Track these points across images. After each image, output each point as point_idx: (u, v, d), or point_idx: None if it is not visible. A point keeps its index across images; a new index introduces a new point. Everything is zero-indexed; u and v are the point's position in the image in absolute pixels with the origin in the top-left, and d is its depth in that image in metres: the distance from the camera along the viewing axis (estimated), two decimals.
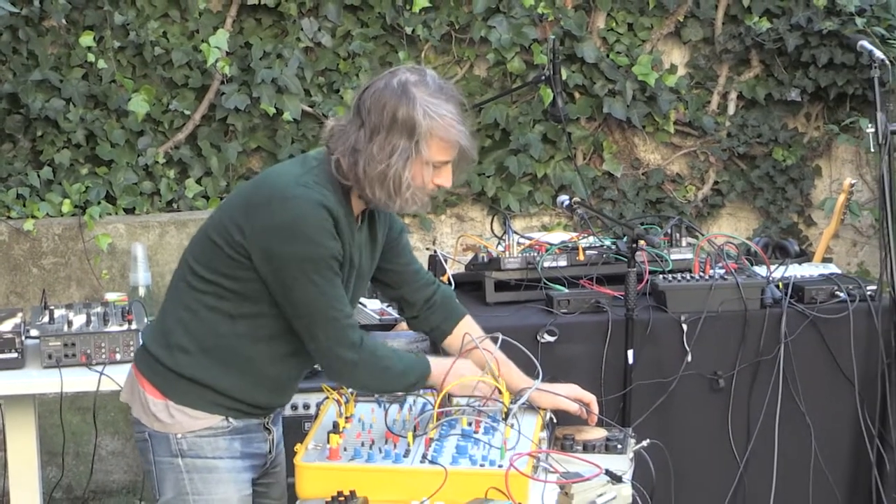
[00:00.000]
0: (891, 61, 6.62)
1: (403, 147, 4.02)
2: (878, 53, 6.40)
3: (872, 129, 6.32)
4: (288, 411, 4.57)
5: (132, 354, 5.28)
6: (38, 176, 7.56)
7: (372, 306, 5.92)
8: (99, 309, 5.67)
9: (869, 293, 6.45)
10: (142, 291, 6.25)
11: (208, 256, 4.13)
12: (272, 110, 7.71)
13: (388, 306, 6.10)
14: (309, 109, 7.83)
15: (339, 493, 4.08)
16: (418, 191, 4.10)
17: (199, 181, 7.78)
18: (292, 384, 4.37)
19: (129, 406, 4.33)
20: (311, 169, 4.11)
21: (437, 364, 4.30)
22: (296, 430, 4.52)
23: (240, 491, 4.30)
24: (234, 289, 4.11)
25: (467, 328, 4.68)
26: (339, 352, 4.07)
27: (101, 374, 5.28)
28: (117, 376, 5.23)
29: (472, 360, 4.56)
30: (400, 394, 4.30)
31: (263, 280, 4.05)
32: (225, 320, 4.15)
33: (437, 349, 5.04)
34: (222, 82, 7.75)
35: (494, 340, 4.63)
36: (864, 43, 6.59)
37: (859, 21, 7.75)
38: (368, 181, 4.04)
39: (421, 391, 4.40)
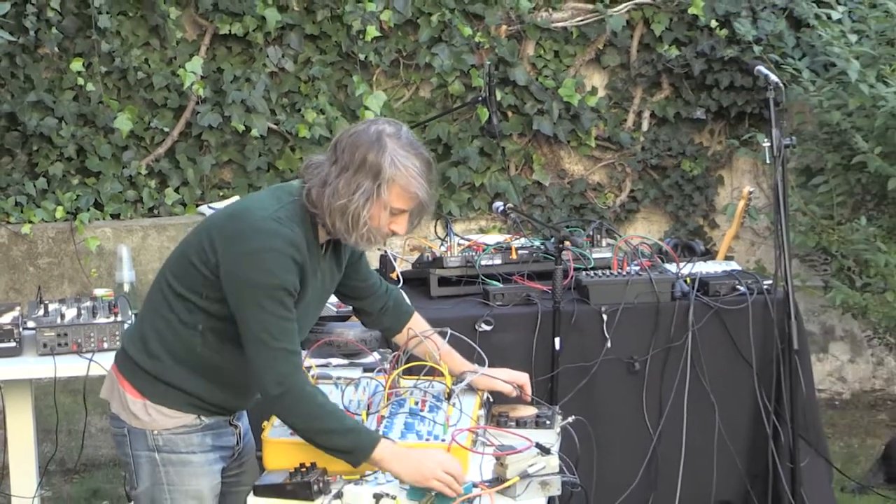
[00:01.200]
0: (784, 84, 6.65)
1: (367, 188, 3.99)
2: (773, 77, 6.43)
3: (768, 144, 6.34)
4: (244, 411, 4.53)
5: (118, 343, 5.32)
6: (34, 186, 7.52)
7: (330, 300, 5.89)
8: (88, 303, 5.65)
9: (765, 287, 6.48)
10: (126, 288, 6.23)
11: (185, 276, 4.10)
12: (241, 127, 7.70)
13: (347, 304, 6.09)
14: (274, 127, 7.81)
15: (301, 465, 4.08)
16: (374, 230, 4.06)
17: (177, 190, 7.77)
18: (253, 390, 4.26)
19: (108, 402, 4.30)
20: (285, 204, 4.06)
21: (389, 449, 4.01)
22: (263, 413, 4.49)
23: (211, 482, 4.27)
24: (205, 306, 4.08)
25: (414, 324, 4.67)
26: (263, 378, 3.98)
27: (91, 360, 5.25)
28: (105, 362, 5.20)
29: (419, 351, 4.57)
30: (329, 451, 4.03)
31: (227, 300, 4.02)
32: (195, 333, 4.11)
33: (388, 342, 5.04)
34: (197, 103, 7.73)
35: (443, 335, 4.62)
36: (761, 68, 6.61)
37: (756, 49, 7.78)
38: (330, 212, 4.00)
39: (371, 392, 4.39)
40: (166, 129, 7.75)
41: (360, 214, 4.00)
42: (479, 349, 4.66)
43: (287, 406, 4.00)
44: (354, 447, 3.99)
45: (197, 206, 7.67)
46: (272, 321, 3.95)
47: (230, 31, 7.72)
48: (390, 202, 4.04)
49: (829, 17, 7.35)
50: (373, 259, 7.09)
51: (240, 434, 4.38)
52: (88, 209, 7.53)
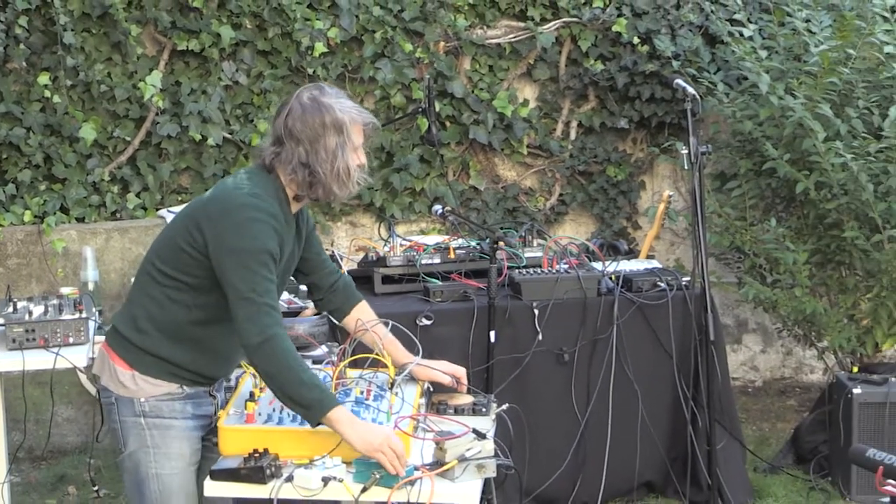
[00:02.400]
0: (700, 96, 6.69)
1: (339, 142, 4.21)
2: (690, 90, 6.46)
3: (686, 151, 6.37)
4: (223, 383, 4.55)
5: (82, 338, 5.38)
6: (4, 192, 7.44)
7: (281, 297, 5.89)
8: (55, 301, 5.62)
9: (684, 283, 6.52)
10: (91, 286, 6.20)
11: (174, 259, 4.21)
12: (198, 137, 7.66)
13: (294, 296, 6.07)
14: (229, 136, 7.77)
15: (255, 451, 4.08)
16: (356, 172, 4.27)
17: (138, 195, 7.72)
18: (234, 358, 4.40)
19: (98, 376, 4.37)
20: (259, 183, 4.22)
21: (346, 413, 4.06)
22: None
23: (192, 446, 4.34)
24: (192, 283, 4.20)
25: (362, 312, 4.72)
26: (247, 329, 4.04)
27: (57, 354, 5.23)
28: (71, 356, 5.23)
29: (365, 340, 4.59)
30: (291, 404, 4.06)
31: (215, 270, 4.11)
32: (182, 309, 4.23)
33: (335, 331, 5.04)
34: (157, 114, 7.68)
35: (385, 325, 4.63)
36: (679, 81, 6.64)
37: (675, 63, 7.81)
38: (326, 181, 4.22)
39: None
40: (128, 139, 7.70)
41: (347, 166, 4.24)
42: (419, 343, 4.66)
43: (267, 354, 4.05)
44: (318, 402, 4.03)
45: (157, 210, 7.63)
46: (258, 280, 4.06)
47: (187, 47, 7.69)
48: (356, 141, 4.27)
49: (742, 35, 7.39)
50: None
51: (217, 405, 4.44)
52: (55, 213, 7.47)
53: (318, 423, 4.04)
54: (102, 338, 4.46)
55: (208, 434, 4.39)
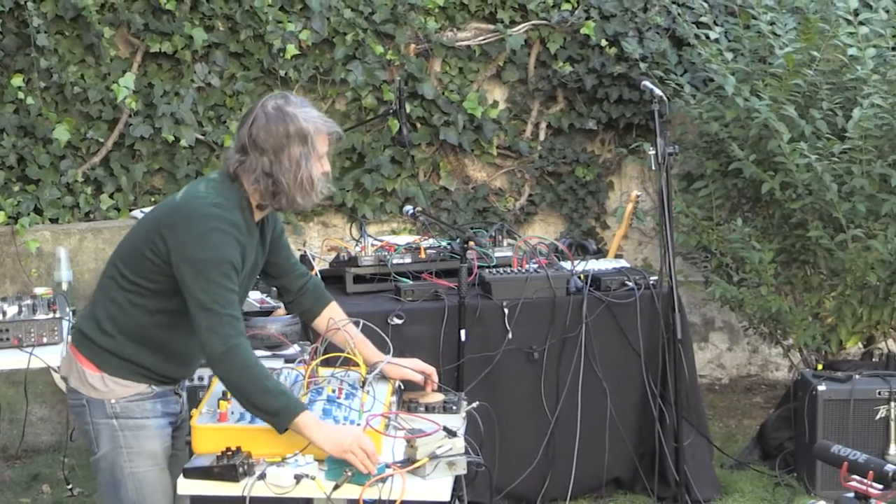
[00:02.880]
0: (667, 98, 6.69)
1: (303, 151, 4.16)
2: (658, 91, 6.47)
3: (653, 152, 6.38)
4: (185, 382, 4.54)
5: (56, 338, 5.35)
6: None
7: (253, 296, 5.88)
8: (29, 301, 5.59)
9: (652, 282, 6.53)
10: (64, 286, 6.19)
11: (137, 265, 4.19)
12: (171, 138, 7.63)
13: (266, 296, 6.06)
14: (201, 137, 7.75)
15: (227, 449, 4.07)
16: (320, 181, 4.23)
17: (111, 196, 7.69)
18: (196, 361, 4.39)
19: (66, 378, 4.34)
20: (222, 192, 4.18)
21: (313, 418, 4.05)
22: (192, 398, 4.49)
23: (163, 443, 4.33)
24: (154, 289, 4.18)
25: (332, 313, 4.70)
26: (210, 340, 4.02)
27: (31, 354, 5.20)
28: (45, 356, 5.19)
29: (336, 340, 4.58)
30: (257, 412, 4.04)
31: (177, 279, 4.09)
32: (145, 314, 4.20)
33: (307, 330, 5.03)
34: (130, 115, 7.65)
35: (356, 325, 4.63)
36: (647, 83, 6.65)
37: (643, 66, 7.82)
38: (290, 191, 4.18)
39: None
40: (101, 140, 7.67)
41: (311, 176, 4.19)
42: (390, 342, 4.65)
43: (230, 364, 4.04)
44: (284, 409, 4.02)
45: (130, 210, 7.60)
46: (220, 291, 4.04)
47: (160, 49, 7.66)
48: (320, 150, 4.23)
49: (708, 37, 7.40)
50: None
51: (182, 403, 4.46)
52: (29, 214, 7.44)
53: (286, 430, 4.03)
54: None
55: (174, 430, 4.39)
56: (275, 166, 4.15)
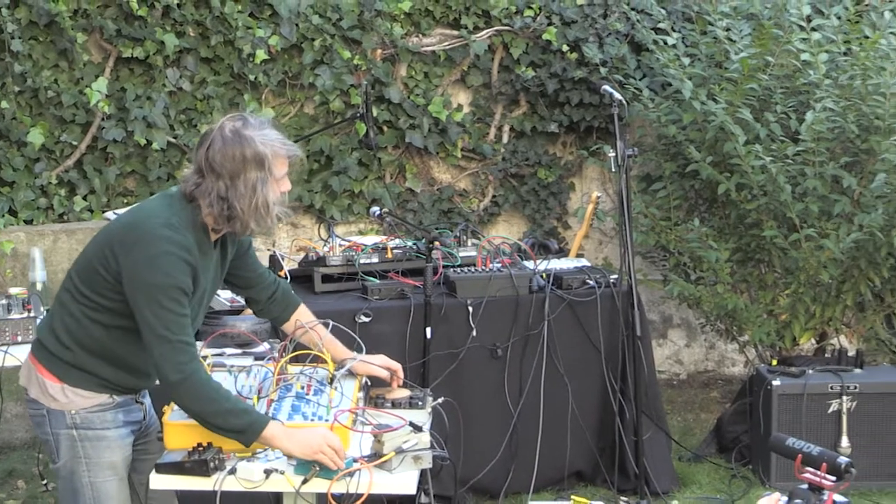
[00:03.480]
0: (627, 101, 6.71)
1: (260, 177, 4.05)
2: (617, 95, 6.49)
3: (613, 154, 6.40)
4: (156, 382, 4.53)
5: (31, 337, 5.31)
6: None
7: (224, 295, 5.86)
8: (3, 301, 5.56)
9: (612, 281, 6.54)
10: (39, 286, 6.15)
11: (91, 281, 4.12)
12: (143, 141, 7.61)
13: (237, 295, 6.05)
14: (173, 140, 7.72)
15: (199, 445, 4.06)
16: (277, 205, 4.13)
17: (84, 198, 7.66)
18: (153, 371, 4.24)
19: (26, 388, 4.28)
20: (177, 212, 4.09)
21: (278, 428, 4.04)
22: (164, 396, 4.46)
23: (123, 453, 4.28)
24: (108, 306, 4.11)
25: (301, 315, 4.67)
26: (163, 368, 3.99)
27: (6, 352, 5.18)
28: (19, 354, 5.13)
29: (305, 340, 4.57)
30: (223, 432, 4.02)
31: (127, 298, 4.04)
32: (101, 328, 4.14)
33: (276, 328, 5.02)
34: (103, 119, 7.62)
35: (325, 325, 4.61)
36: (607, 87, 6.67)
37: (603, 70, 7.83)
38: (244, 217, 4.08)
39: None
40: (75, 143, 7.64)
41: (267, 201, 4.08)
42: (358, 339, 4.65)
43: (186, 391, 4.00)
44: (248, 426, 4.00)
45: (103, 212, 7.57)
46: (171, 318, 3.97)
47: (132, 54, 7.63)
48: (278, 174, 4.12)
49: (666, 43, 7.42)
50: (262, 259, 7.04)
51: (145, 409, 4.40)
52: (3, 215, 7.40)
53: (252, 443, 4.03)
54: None
55: (140, 439, 4.36)
56: (230, 191, 4.05)
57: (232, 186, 4.05)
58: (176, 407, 4.20)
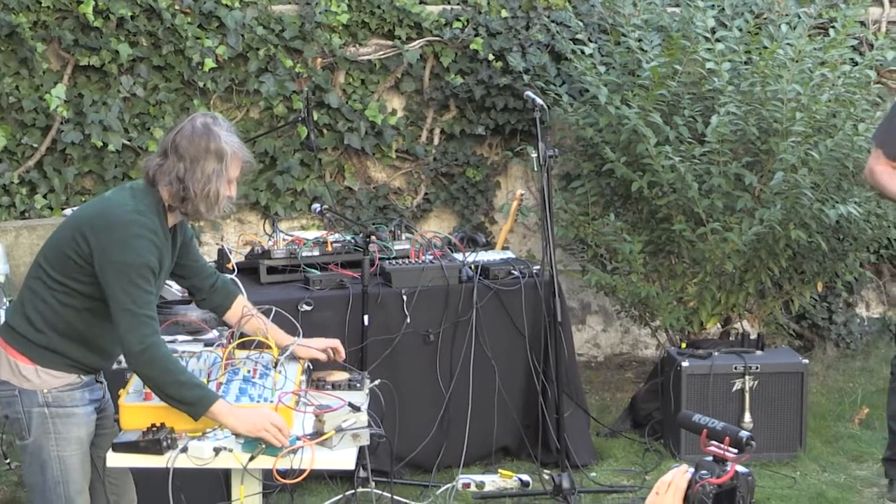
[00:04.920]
0: (548, 106, 6.73)
1: (217, 169, 4.15)
2: (539, 101, 6.50)
3: (535, 155, 6.41)
4: (115, 365, 4.50)
5: None
6: None
7: (176, 287, 5.82)
8: None
9: (535, 271, 6.56)
10: (2, 279, 6.10)
11: (61, 265, 4.14)
12: (100, 144, 7.55)
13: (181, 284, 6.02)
14: (127, 143, 7.66)
15: (153, 425, 4.05)
16: (226, 200, 4.21)
17: (45, 196, 7.59)
18: (117, 352, 4.32)
19: None
20: (141, 199, 4.15)
21: (226, 405, 4.04)
22: (120, 380, 4.44)
23: (88, 428, 4.29)
24: (79, 289, 4.13)
25: (242, 304, 4.67)
26: (128, 339, 4.01)
27: None
28: None
29: (249, 327, 4.56)
30: (174, 402, 4.02)
31: (99, 279, 4.06)
32: (72, 311, 4.16)
33: (220, 321, 5.00)
34: (61, 123, 7.55)
35: (268, 312, 4.61)
36: (529, 93, 6.68)
37: (525, 77, 7.85)
38: (195, 200, 4.15)
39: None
40: (35, 145, 7.57)
41: (218, 192, 4.17)
42: (300, 327, 4.65)
43: (147, 361, 4.02)
44: (199, 400, 4.01)
45: (63, 209, 7.50)
46: (138, 293, 4.02)
47: (89, 62, 7.57)
48: (232, 174, 4.21)
49: (583, 52, 7.45)
50: (211, 252, 7.01)
51: (104, 388, 4.43)
52: None
53: (200, 417, 4.03)
54: None
55: (98, 414, 4.36)
56: (188, 174, 4.12)
57: (190, 170, 4.13)
58: (131, 390, 4.20)
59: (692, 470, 3.20)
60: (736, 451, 3.21)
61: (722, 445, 3.23)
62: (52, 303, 4.16)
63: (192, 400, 4.01)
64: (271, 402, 4.14)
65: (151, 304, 4.06)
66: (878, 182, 6.01)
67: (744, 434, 3.22)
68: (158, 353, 4.03)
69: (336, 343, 4.68)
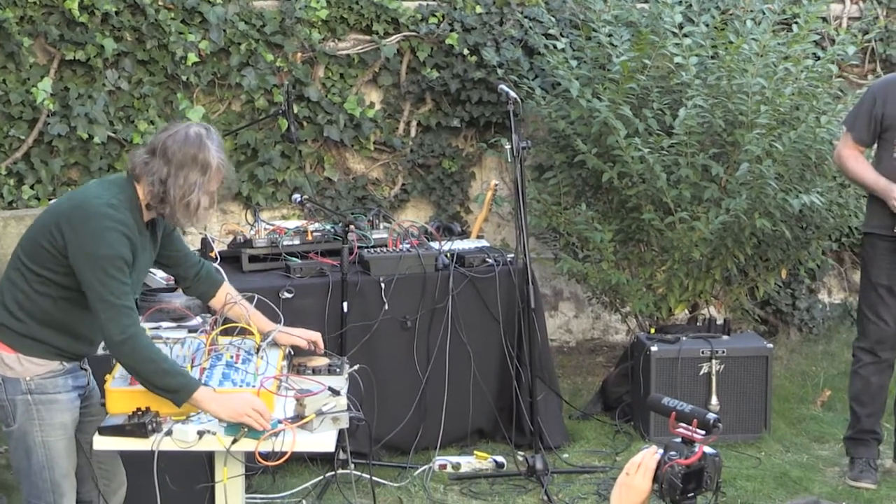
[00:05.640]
0: (521, 99, 6.73)
1: (199, 181, 4.12)
2: (512, 94, 6.51)
3: (509, 146, 6.42)
4: (100, 351, 4.48)
5: None
6: None
7: (160, 274, 5.80)
8: None
9: (509, 259, 6.57)
10: None
11: (38, 256, 4.13)
12: (85, 136, 7.51)
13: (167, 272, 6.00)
14: (112, 135, 7.63)
15: (138, 409, 4.05)
16: (204, 211, 4.18)
17: (32, 187, 7.55)
18: (99, 338, 4.31)
19: None
20: (116, 194, 4.13)
21: (208, 392, 4.05)
22: (105, 365, 4.42)
23: (73, 415, 4.27)
24: (54, 279, 4.12)
25: (226, 291, 4.66)
26: (109, 329, 4.01)
27: None
28: None
29: (232, 314, 4.55)
30: (158, 391, 4.02)
31: (75, 272, 4.05)
32: (49, 300, 4.15)
33: (204, 308, 4.99)
34: (48, 116, 7.51)
35: (251, 300, 4.61)
36: (503, 86, 6.68)
37: (499, 71, 7.85)
38: (174, 205, 4.12)
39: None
40: (22, 137, 7.53)
41: (198, 202, 4.14)
42: (281, 313, 4.64)
43: (129, 350, 4.01)
44: (181, 387, 4.01)
45: (49, 200, 7.47)
46: (115, 284, 4.00)
47: (74, 57, 7.53)
48: (211, 188, 4.18)
49: (556, 47, 7.46)
50: (195, 241, 6.99)
51: (89, 376, 4.41)
52: None
53: (183, 404, 4.03)
54: None
55: (84, 401, 4.34)
56: (170, 179, 4.10)
57: (173, 175, 4.10)
58: (117, 375, 4.19)
59: (661, 451, 3.21)
60: (703, 432, 3.22)
61: (690, 427, 3.24)
62: (29, 292, 4.14)
63: (175, 388, 4.00)
64: (253, 386, 4.14)
65: (128, 294, 4.05)
66: (843, 165, 6.15)
67: (711, 416, 3.23)
68: (140, 342, 4.02)
69: (317, 337, 4.67)
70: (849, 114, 6.26)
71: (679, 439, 3.24)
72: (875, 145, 6.17)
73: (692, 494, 3.20)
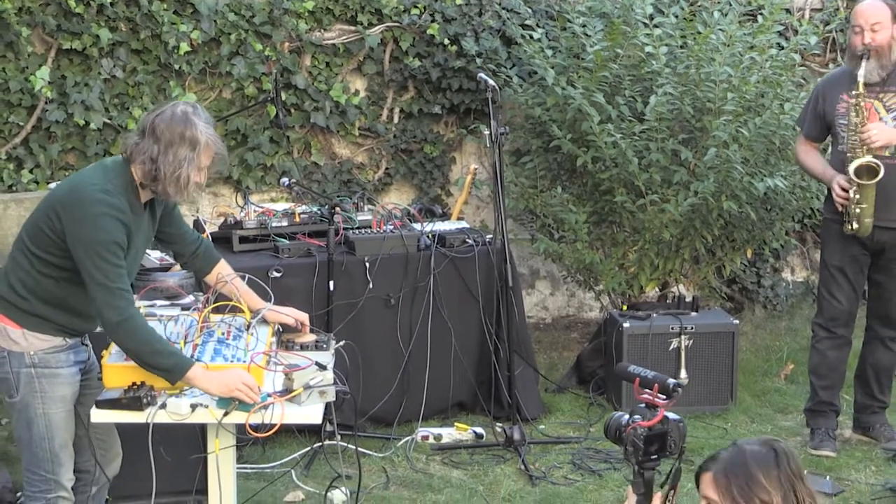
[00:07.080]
0: (499, 87, 6.73)
1: (188, 156, 4.11)
2: (491, 82, 6.51)
3: (488, 132, 6.42)
4: (100, 328, 4.49)
5: None
6: None
7: (154, 254, 5.81)
8: None
9: (487, 240, 6.58)
10: None
11: (39, 240, 4.15)
12: (82, 122, 7.49)
13: (165, 254, 5.99)
14: (108, 121, 7.61)
15: (133, 383, 4.05)
16: (195, 186, 4.18)
17: (31, 171, 7.53)
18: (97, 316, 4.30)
19: None
20: (112, 178, 4.14)
21: (200, 370, 4.05)
22: (104, 342, 4.42)
23: (73, 388, 4.28)
24: (54, 262, 4.14)
25: (221, 269, 4.67)
26: (105, 312, 4.02)
27: None
28: None
29: (225, 291, 4.56)
30: (153, 370, 4.04)
31: (71, 254, 4.07)
32: (51, 280, 4.16)
33: (200, 283, 5.00)
34: (46, 103, 7.48)
35: (242, 278, 4.61)
36: (482, 75, 6.68)
37: (479, 60, 7.85)
38: (165, 181, 4.12)
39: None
40: (21, 124, 7.51)
41: (188, 178, 4.13)
42: (271, 291, 4.65)
43: (125, 331, 4.02)
44: (175, 366, 4.02)
45: (48, 183, 7.45)
46: (109, 268, 4.01)
47: (71, 46, 7.50)
48: (202, 163, 4.18)
49: (532, 37, 7.46)
50: (188, 223, 6.97)
51: (89, 351, 4.43)
52: None
53: (177, 382, 4.05)
54: None
55: (84, 375, 4.36)
56: (160, 156, 4.10)
57: (163, 153, 4.10)
58: (114, 350, 4.20)
59: (627, 416, 3.26)
60: (664, 397, 3.27)
61: (652, 392, 3.29)
62: (32, 273, 4.16)
63: (169, 367, 4.02)
64: (244, 361, 4.15)
65: (123, 277, 4.05)
66: (797, 159, 6.35)
67: (671, 382, 3.28)
68: (136, 324, 4.03)
69: (304, 317, 4.68)
70: (801, 111, 6.35)
71: (643, 405, 3.28)
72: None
73: (655, 457, 3.24)
